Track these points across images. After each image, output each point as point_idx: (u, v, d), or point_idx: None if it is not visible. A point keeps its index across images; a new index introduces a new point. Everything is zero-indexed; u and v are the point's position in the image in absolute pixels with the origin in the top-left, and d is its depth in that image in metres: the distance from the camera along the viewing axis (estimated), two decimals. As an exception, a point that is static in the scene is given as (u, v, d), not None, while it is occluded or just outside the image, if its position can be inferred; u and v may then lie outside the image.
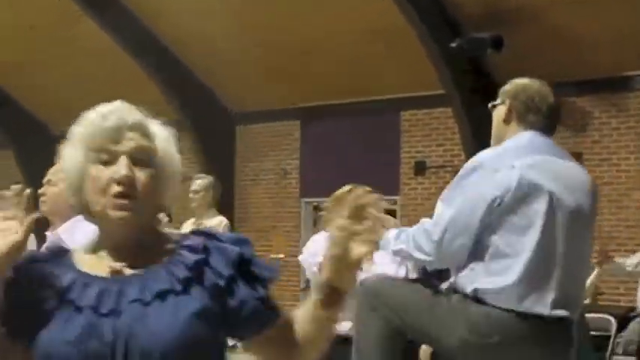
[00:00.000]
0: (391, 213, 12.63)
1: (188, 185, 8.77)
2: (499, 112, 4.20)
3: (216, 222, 8.90)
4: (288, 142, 15.55)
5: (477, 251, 3.92)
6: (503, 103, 4.18)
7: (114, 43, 14.78)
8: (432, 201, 13.10)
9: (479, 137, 12.86)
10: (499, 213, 3.87)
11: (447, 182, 14.80)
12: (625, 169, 12.12)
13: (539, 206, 3.88)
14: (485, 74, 12.99)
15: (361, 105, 14.05)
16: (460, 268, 3.99)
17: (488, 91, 12.91)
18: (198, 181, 8.98)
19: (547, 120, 4.13)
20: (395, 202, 13.96)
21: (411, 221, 4.40)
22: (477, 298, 3.91)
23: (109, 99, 2.23)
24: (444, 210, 3.98)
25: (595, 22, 11.54)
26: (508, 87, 4.22)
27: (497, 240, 3.89)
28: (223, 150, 15.98)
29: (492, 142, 4.24)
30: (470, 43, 11.63)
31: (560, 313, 3.89)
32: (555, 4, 11.63)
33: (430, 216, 4.12)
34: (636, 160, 12.06)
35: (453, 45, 11.72)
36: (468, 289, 3.93)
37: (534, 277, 3.86)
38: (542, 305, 3.86)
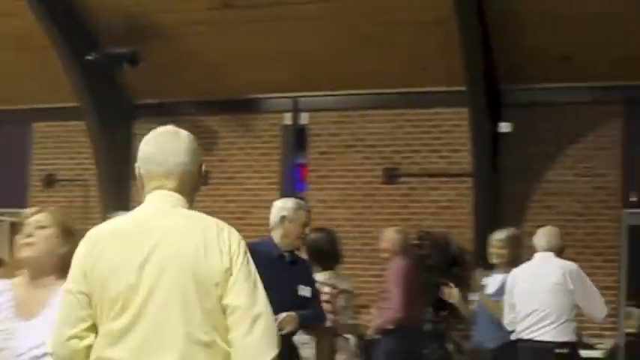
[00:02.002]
0: (16, 225, 12.41)
1: None
2: None
3: None
4: None
5: None
6: None
7: None
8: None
9: (111, 152, 13.02)
10: None
11: (78, 196, 14.75)
12: (249, 188, 12.75)
13: None
14: (120, 89, 13.17)
15: (-7, 114, 13.72)
16: None
17: (123, 106, 13.23)
18: None
19: None
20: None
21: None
22: None
23: None
24: None
25: (222, 45, 12.06)
26: None
27: None
28: None
29: None
30: (107, 57, 11.65)
31: None
32: (191, 24, 12.02)
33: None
34: (260, 180, 12.74)
35: (90, 58, 11.74)
36: None
37: None
38: None
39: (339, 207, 12.25)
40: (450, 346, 10.06)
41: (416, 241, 11.13)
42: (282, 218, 6.73)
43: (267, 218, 12.43)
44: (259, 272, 3.24)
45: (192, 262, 3.05)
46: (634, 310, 10.86)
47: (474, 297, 8.18)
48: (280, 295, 4.69)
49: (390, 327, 8.98)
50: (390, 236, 9.32)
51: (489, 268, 8.37)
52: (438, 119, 11.99)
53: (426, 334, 10.55)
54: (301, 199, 12.59)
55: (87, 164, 13.35)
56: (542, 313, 7.48)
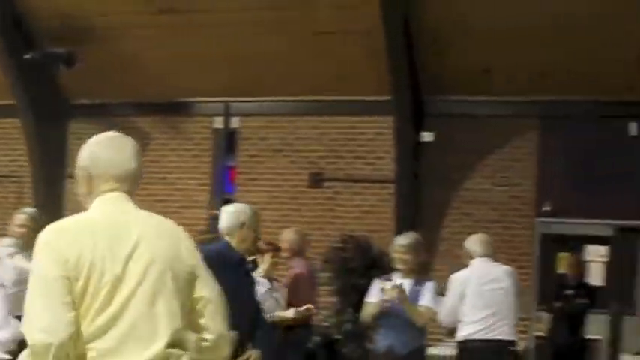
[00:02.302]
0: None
1: None
2: None
3: None
4: None
5: None
6: None
7: None
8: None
9: (46, 150, 13.17)
10: None
11: (13, 192, 14.71)
12: (180, 189, 13.02)
13: None
14: (57, 89, 13.30)
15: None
16: None
17: (59, 105, 13.36)
18: None
19: None
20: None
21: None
22: None
23: None
24: None
25: (156, 48, 12.38)
26: None
27: None
28: None
29: None
30: (44, 57, 11.68)
31: None
32: (127, 28, 12.29)
33: None
34: (190, 180, 13.03)
35: (27, 57, 11.78)
36: None
37: None
38: None
39: (266, 209, 12.42)
40: (369, 346, 10.36)
41: (339, 244, 11.49)
42: (242, 224, 6.29)
43: (197, 218, 12.83)
44: (222, 278, 3.52)
45: (172, 256, 3.31)
46: (544, 315, 11.24)
47: (371, 299, 7.81)
48: (242, 302, 4.66)
49: (299, 324, 9.11)
50: (288, 237, 9.37)
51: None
52: (363, 127, 12.36)
53: (346, 334, 10.93)
54: (230, 201, 12.94)
55: (21, 161, 13.45)
56: (499, 314, 7.78)
